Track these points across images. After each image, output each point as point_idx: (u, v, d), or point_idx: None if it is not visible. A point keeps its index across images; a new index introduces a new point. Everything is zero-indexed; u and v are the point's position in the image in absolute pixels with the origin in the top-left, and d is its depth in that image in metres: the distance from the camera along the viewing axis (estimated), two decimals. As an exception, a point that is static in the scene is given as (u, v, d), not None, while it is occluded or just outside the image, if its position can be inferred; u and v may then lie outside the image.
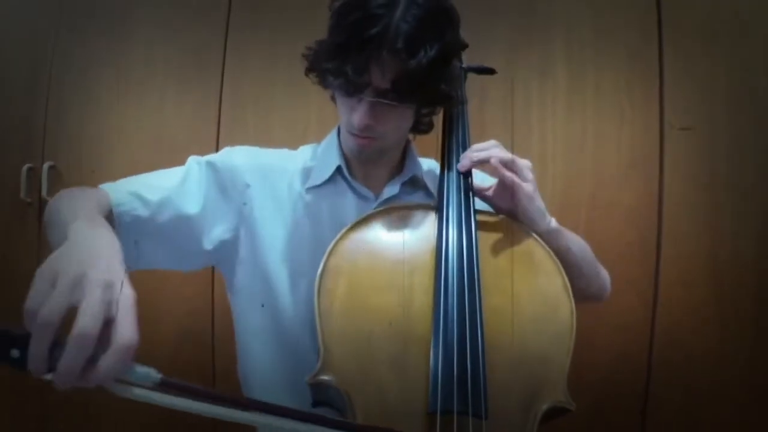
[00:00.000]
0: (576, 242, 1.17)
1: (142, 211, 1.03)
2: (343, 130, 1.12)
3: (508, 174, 1.04)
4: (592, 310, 1.88)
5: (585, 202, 1.98)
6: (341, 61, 0.97)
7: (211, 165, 1.15)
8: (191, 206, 1.09)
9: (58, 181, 2.11)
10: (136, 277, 1.08)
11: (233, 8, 2.12)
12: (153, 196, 1.05)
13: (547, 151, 2.01)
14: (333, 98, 1.12)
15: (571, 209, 1.98)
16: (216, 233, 1.12)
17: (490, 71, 1.31)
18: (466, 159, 1.08)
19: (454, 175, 1.08)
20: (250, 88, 2.11)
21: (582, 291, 1.11)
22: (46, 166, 2.10)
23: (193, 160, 1.15)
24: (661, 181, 1.96)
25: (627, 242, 1.96)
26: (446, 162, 1.11)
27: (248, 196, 1.14)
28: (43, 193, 2.08)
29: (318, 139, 1.27)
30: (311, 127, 2.04)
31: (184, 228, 1.09)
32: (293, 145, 1.28)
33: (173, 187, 1.09)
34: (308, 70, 1.09)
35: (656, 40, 1.96)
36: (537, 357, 0.94)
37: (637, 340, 1.96)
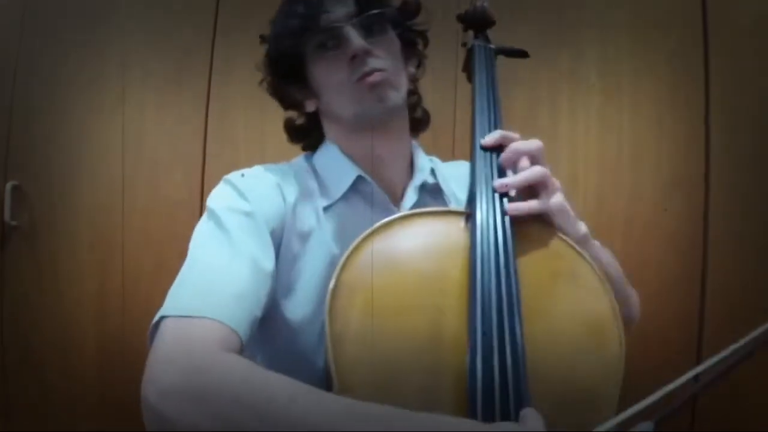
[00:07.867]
0: (606, 257, 1.14)
1: (258, 312, 1.00)
2: (349, 94, 1.11)
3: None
4: (628, 348, 1.84)
5: (620, 226, 1.98)
6: (301, 16, 1.11)
7: (245, 214, 1.07)
8: (267, 263, 1.04)
9: (23, 204, 2.10)
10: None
11: (221, 9, 2.13)
12: (255, 304, 0.99)
13: (578, 167, 2.00)
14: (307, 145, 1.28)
15: (604, 234, 1.89)
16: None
17: (522, 53, 1.31)
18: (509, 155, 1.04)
19: (487, 178, 1.03)
20: (240, 97, 2.10)
21: None
22: (9, 186, 2.09)
23: (221, 212, 1.06)
24: (707, 201, 1.95)
25: (668, 272, 1.95)
26: (476, 167, 1.06)
27: (279, 240, 1.11)
28: (6, 216, 2.07)
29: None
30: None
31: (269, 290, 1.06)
32: (288, 160, 1.27)
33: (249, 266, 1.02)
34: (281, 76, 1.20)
35: (701, 42, 1.96)
36: (583, 391, 0.90)
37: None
